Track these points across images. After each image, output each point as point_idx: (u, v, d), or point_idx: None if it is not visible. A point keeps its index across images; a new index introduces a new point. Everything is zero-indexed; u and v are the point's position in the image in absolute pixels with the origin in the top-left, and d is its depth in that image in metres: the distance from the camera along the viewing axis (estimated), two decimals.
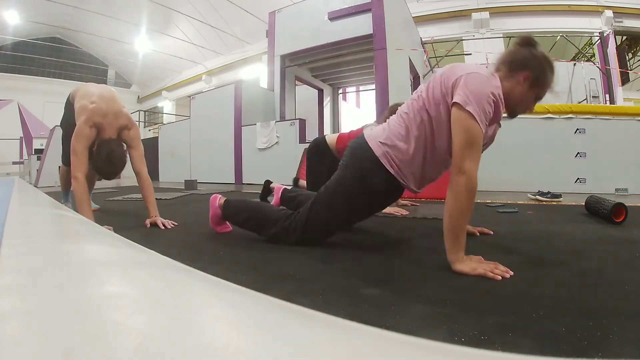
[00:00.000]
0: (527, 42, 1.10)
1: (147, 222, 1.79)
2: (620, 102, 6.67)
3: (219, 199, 1.48)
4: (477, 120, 0.97)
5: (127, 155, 1.88)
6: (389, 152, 1.15)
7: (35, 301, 0.25)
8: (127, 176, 2.12)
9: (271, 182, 2.76)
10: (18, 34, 12.44)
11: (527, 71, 1.07)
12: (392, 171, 1.14)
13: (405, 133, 1.13)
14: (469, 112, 0.97)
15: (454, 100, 1.00)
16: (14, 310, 0.24)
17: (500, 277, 0.87)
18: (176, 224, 1.78)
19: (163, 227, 1.72)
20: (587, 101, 6.39)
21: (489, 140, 1.20)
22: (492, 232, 1.48)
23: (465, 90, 0.99)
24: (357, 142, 1.24)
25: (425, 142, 1.11)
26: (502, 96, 1.03)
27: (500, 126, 1.20)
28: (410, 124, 1.13)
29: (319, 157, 2.44)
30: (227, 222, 1.53)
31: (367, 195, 1.19)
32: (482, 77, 1.02)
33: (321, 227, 1.25)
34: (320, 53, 6.01)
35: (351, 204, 1.21)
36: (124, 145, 1.87)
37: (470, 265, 0.93)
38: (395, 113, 1.23)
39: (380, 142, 1.16)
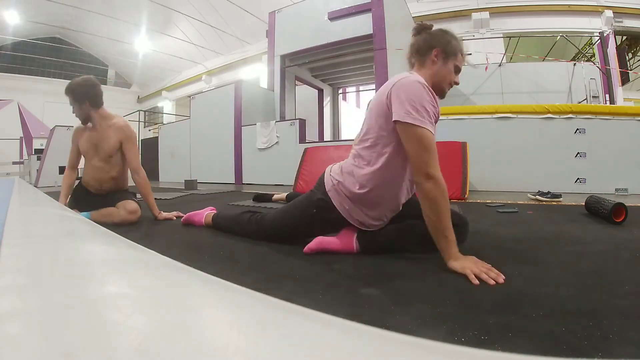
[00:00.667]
0: (421, 28, 1.18)
1: (161, 217, 1.98)
2: (620, 102, 6.67)
3: (204, 217, 1.70)
4: (422, 126, 1.00)
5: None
6: (336, 187, 1.18)
7: (35, 301, 0.25)
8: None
9: (273, 195, 2.80)
10: (18, 34, 12.43)
11: (435, 49, 1.13)
12: (336, 205, 1.17)
13: (363, 166, 1.16)
14: (411, 123, 1.00)
15: (393, 119, 1.04)
16: (14, 310, 0.24)
17: (493, 282, 0.85)
18: (182, 214, 1.95)
19: (175, 218, 1.97)
20: (587, 101, 6.39)
21: None
22: None
23: (399, 102, 1.03)
24: (323, 174, 1.29)
25: (384, 173, 1.12)
26: (429, 87, 1.06)
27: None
28: (368, 156, 1.15)
29: None
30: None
31: (314, 218, 1.24)
32: (408, 80, 1.06)
33: (270, 229, 1.35)
34: (320, 53, 6.01)
35: (299, 221, 1.28)
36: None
37: (463, 264, 0.93)
38: None
39: (331, 176, 1.21)
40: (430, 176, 0.99)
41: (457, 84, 1.17)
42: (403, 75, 1.10)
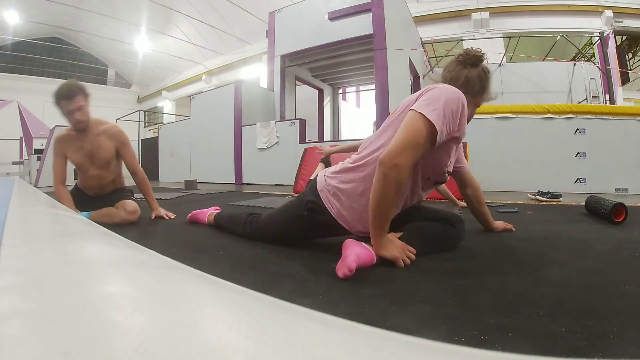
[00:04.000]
0: (477, 61, 1.19)
1: (153, 215, 1.96)
2: (620, 102, 6.67)
3: (207, 216, 1.71)
4: (430, 120, 0.95)
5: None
6: (328, 188, 1.14)
7: (35, 301, 0.25)
8: (125, 176, 2.14)
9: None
10: (18, 34, 12.43)
11: (481, 97, 1.18)
12: (327, 206, 1.13)
13: (356, 167, 1.12)
14: (421, 113, 0.97)
15: (410, 108, 1.02)
16: (14, 310, 0.24)
17: (402, 264, 0.97)
18: (173, 216, 2.00)
19: (167, 218, 1.95)
20: (587, 101, 6.39)
21: (452, 160, 1.18)
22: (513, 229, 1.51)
23: (424, 97, 1.02)
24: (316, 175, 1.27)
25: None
26: (465, 107, 1.04)
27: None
28: (365, 158, 1.11)
29: None
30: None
31: (306, 221, 1.19)
32: (448, 87, 1.05)
33: (262, 231, 1.34)
34: (320, 53, 6.02)
35: (286, 225, 1.26)
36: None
37: (392, 253, 0.99)
38: None
39: (326, 176, 1.18)
40: (397, 165, 0.94)
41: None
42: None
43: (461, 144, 1.25)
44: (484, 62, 1.20)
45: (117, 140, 1.90)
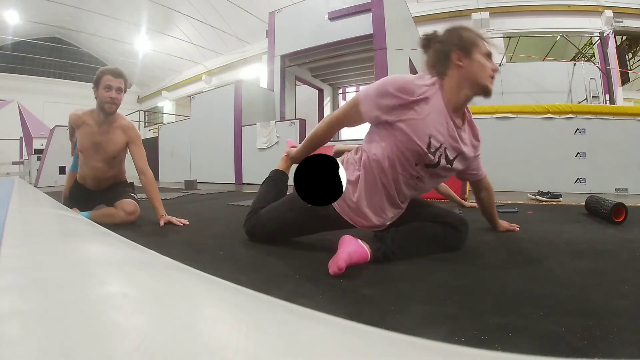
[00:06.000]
0: (427, 41, 1.14)
1: (162, 221, 1.75)
2: (620, 102, 6.67)
3: None
4: (357, 97, 1.09)
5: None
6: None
7: (35, 301, 0.25)
8: (129, 175, 2.13)
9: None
10: (18, 34, 12.42)
11: (452, 52, 1.08)
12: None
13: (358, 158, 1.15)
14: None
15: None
16: (14, 310, 0.24)
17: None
18: (186, 222, 1.78)
19: (181, 225, 1.74)
20: (587, 101, 6.39)
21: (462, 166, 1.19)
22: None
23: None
24: None
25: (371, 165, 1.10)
26: (419, 87, 1.05)
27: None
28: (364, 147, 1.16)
29: None
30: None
31: (310, 213, 1.19)
32: (396, 76, 1.08)
33: (262, 227, 1.30)
34: (320, 53, 6.01)
35: (290, 219, 1.25)
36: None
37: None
38: None
39: None
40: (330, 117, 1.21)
41: (496, 70, 1.12)
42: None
43: (479, 155, 1.25)
44: (436, 36, 1.14)
45: (128, 135, 1.88)
